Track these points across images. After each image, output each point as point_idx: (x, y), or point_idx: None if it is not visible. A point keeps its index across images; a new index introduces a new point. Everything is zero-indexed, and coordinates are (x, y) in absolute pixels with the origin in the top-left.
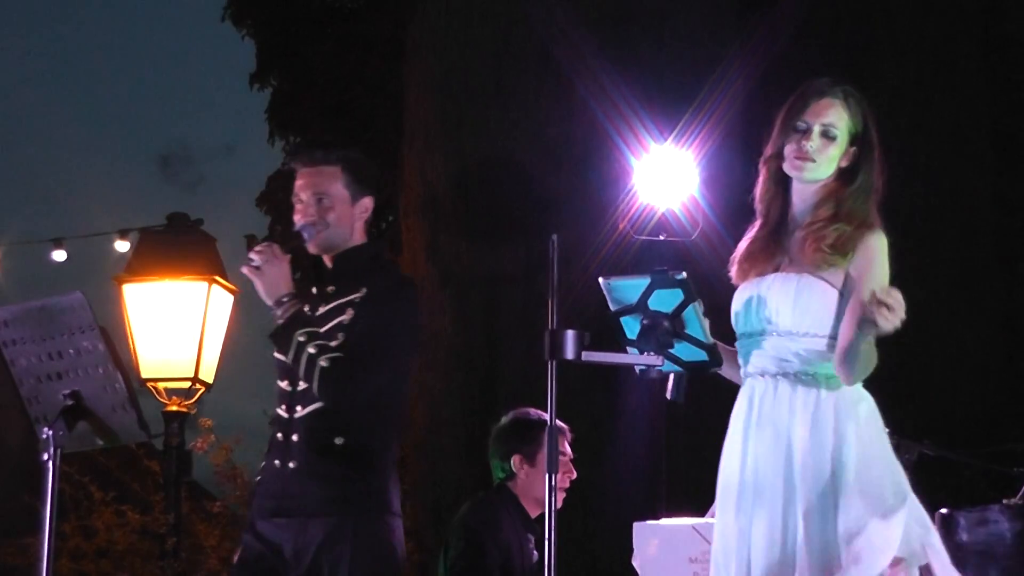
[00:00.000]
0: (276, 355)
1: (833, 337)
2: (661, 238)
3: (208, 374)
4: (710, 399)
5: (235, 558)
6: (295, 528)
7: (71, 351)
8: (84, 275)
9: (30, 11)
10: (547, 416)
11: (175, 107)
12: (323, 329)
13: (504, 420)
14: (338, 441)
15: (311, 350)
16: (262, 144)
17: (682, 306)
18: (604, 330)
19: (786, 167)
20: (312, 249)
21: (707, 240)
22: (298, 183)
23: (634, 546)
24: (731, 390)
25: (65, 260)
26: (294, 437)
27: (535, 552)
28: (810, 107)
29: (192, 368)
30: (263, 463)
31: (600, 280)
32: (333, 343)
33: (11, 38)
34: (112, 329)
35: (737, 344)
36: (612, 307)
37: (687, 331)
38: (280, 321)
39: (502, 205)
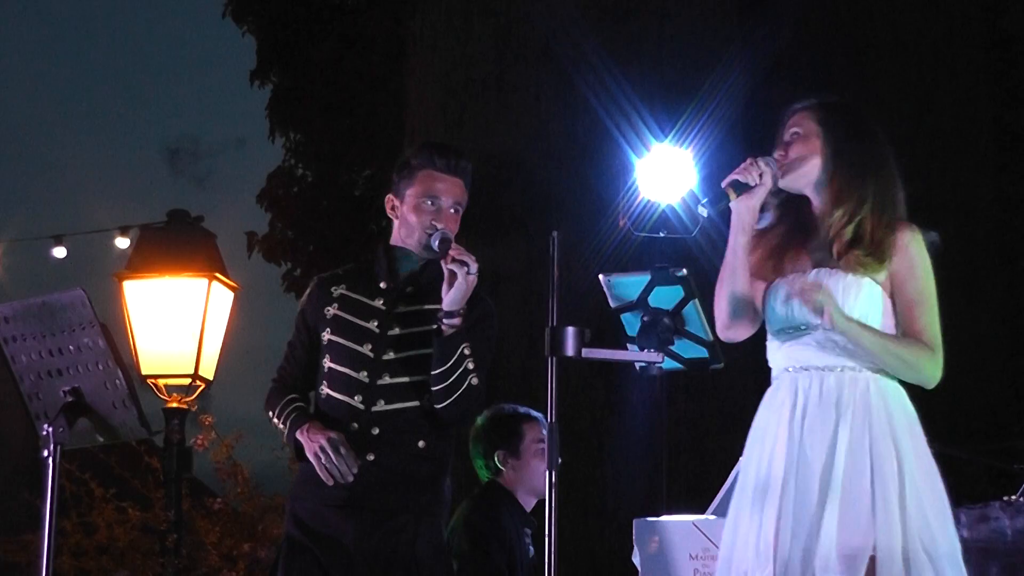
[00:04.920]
0: (346, 342)
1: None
2: (662, 235)
3: (208, 371)
4: (710, 396)
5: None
6: (367, 521)
7: (72, 347)
8: (84, 272)
9: (34, 8)
10: (522, 408)
11: (184, 102)
12: (415, 330)
13: (478, 420)
14: (420, 444)
15: (470, 365)
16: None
17: (682, 303)
18: (604, 327)
19: None
20: (423, 252)
21: (708, 237)
22: (440, 186)
23: (635, 543)
24: (731, 387)
25: (65, 257)
26: (374, 431)
27: (531, 547)
28: None
29: (192, 365)
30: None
31: (601, 277)
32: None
33: (14, 35)
34: (113, 326)
35: (772, 340)
36: (613, 304)
37: (687, 328)
38: (447, 332)
39: (503, 202)
